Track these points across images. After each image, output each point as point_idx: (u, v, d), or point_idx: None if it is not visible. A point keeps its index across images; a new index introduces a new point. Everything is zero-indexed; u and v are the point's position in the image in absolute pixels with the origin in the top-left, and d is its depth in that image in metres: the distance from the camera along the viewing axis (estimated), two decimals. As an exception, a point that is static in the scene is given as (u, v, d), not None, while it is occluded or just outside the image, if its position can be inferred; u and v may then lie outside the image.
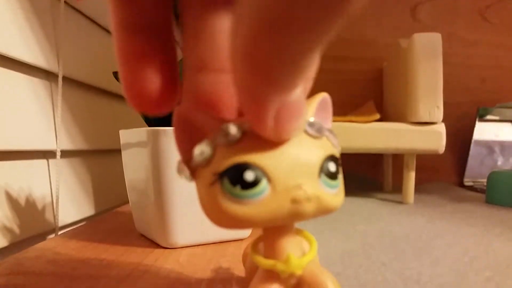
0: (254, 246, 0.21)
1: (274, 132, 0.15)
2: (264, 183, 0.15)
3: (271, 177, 0.15)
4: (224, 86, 0.17)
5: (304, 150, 0.16)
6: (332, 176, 0.17)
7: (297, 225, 0.20)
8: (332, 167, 0.17)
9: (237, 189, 0.15)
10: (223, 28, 0.16)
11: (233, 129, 0.16)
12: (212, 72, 0.17)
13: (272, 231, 0.19)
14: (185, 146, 0.17)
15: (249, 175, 0.15)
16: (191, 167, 0.17)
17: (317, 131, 0.16)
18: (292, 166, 0.16)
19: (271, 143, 0.15)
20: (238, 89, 0.13)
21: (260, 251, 0.20)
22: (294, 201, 0.16)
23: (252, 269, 0.22)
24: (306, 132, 0.16)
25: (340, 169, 0.17)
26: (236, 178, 0.15)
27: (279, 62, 0.11)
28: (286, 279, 0.19)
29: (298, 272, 0.19)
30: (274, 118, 0.14)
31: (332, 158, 0.17)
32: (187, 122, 0.17)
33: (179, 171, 0.18)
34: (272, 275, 0.19)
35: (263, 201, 0.16)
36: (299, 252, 0.19)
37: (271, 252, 0.19)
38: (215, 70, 0.17)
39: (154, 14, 0.16)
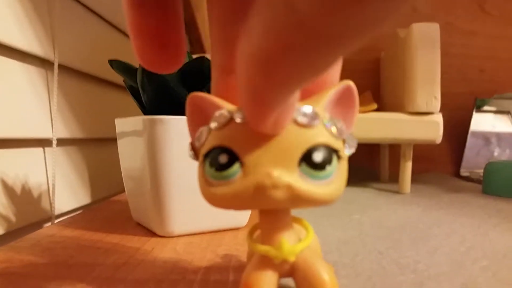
0: (251, 232, 0.21)
1: (269, 129, 0.15)
2: (236, 166, 0.16)
3: (244, 162, 0.16)
4: None
5: (285, 139, 0.16)
6: (317, 166, 0.16)
7: (294, 213, 0.20)
8: (317, 157, 0.16)
9: (212, 170, 0.17)
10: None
11: (223, 114, 0.17)
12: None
13: (267, 217, 0.19)
14: (193, 128, 0.19)
15: (222, 158, 0.16)
16: (194, 148, 0.19)
17: (309, 120, 0.16)
18: (268, 153, 0.16)
19: (254, 130, 0.16)
20: (243, 88, 0.13)
21: (257, 238, 0.20)
22: (258, 187, 0.16)
23: (251, 255, 0.23)
24: (295, 120, 0.16)
25: (337, 161, 0.17)
26: (213, 160, 0.17)
27: (300, 71, 0.11)
28: (280, 265, 0.19)
29: (291, 258, 0.19)
30: (275, 119, 0.14)
31: (322, 148, 0.16)
32: (196, 106, 0.18)
33: (188, 151, 0.19)
34: (266, 260, 0.19)
35: (232, 183, 0.16)
36: (294, 239, 0.19)
37: (266, 238, 0.19)
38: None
39: None
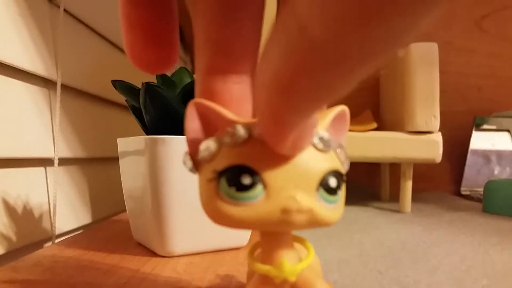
0: (252, 251, 0.21)
1: (288, 151, 0.15)
2: (259, 188, 0.16)
3: (267, 184, 0.16)
4: (234, 85, 0.17)
5: (305, 162, 0.16)
6: (331, 191, 0.16)
7: (294, 232, 0.20)
8: (333, 182, 0.16)
9: (232, 190, 0.16)
10: (233, 36, 0.16)
11: (240, 131, 0.16)
12: (222, 74, 0.17)
13: (269, 237, 0.19)
14: (194, 138, 0.18)
15: (245, 179, 0.16)
16: (196, 160, 0.18)
17: (325, 145, 0.16)
18: (290, 176, 0.16)
19: (274, 151, 0.15)
20: (262, 110, 0.13)
21: (258, 257, 0.20)
22: (285, 211, 0.16)
23: (251, 274, 0.22)
24: (313, 144, 0.16)
25: (343, 185, 0.17)
26: (233, 179, 0.16)
27: (318, 93, 0.11)
28: (280, 285, 0.19)
29: (292, 278, 0.19)
30: (293, 140, 0.14)
31: (334, 173, 0.17)
32: (198, 117, 0.17)
33: (184, 161, 0.18)
34: (266, 280, 0.19)
35: (255, 205, 0.16)
36: (295, 259, 0.19)
37: (266, 257, 0.19)
38: (225, 71, 0.17)
39: None
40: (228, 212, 0.16)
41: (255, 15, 0.17)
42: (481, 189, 1.28)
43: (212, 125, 0.17)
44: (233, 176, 0.16)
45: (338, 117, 0.18)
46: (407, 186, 1.02)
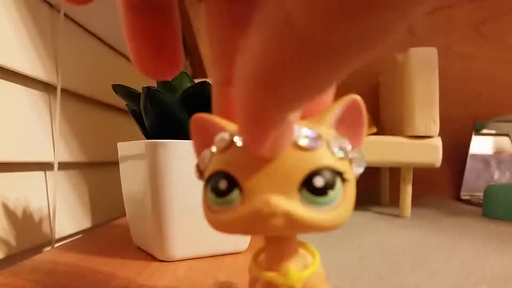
0: (256, 257, 0.21)
1: (267, 151, 0.14)
2: (235, 193, 0.16)
3: (243, 188, 0.16)
4: None
5: (285, 163, 0.15)
6: (318, 191, 0.15)
7: (298, 236, 0.20)
8: (319, 181, 0.15)
9: (212, 196, 0.16)
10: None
11: (224, 137, 0.16)
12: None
13: (272, 242, 0.19)
14: (198, 150, 0.18)
15: (222, 184, 0.16)
16: (199, 170, 0.18)
17: (310, 142, 0.15)
18: (268, 179, 0.15)
19: (254, 155, 0.15)
20: (241, 107, 0.12)
21: (262, 263, 0.20)
22: (258, 214, 0.15)
23: (255, 280, 0.22)
24: (295, 143, 0.15)
25: (339, 184, 0.16)
26: (213, 186, 0.16)
27: (301, 88, 0.11)
28: None
29: (298, 286, 0.18)
30: (273, 139, 0.14)
31: (322, 172, 0.15)
32: (200, 128, 0.18)
33: (195, 173, 0.19)
34: (272, 286, 0.19)
35: (232, 210, 0.16)
36: (300, 265, 0.19)
37: (271, 264, 0.19)
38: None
39: None
40: (211, 217, 0.17)
41: None
42: (481, 194, 1.28)
43: (211, 136, 0.17)
44: (214, 183, 0.16)
45: (349, 109, 0.17)
46: (407, 191, 1.02)
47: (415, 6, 0.08)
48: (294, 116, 0.13)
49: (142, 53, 0.17)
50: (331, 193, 0.15)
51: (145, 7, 0.17)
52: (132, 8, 0.16)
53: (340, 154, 0.16)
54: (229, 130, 0.17)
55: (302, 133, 0.15)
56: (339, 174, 0.16)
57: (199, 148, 0.18)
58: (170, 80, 0.41)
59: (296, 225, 0.15)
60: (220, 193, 0.16)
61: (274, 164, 0.15)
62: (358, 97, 0.17)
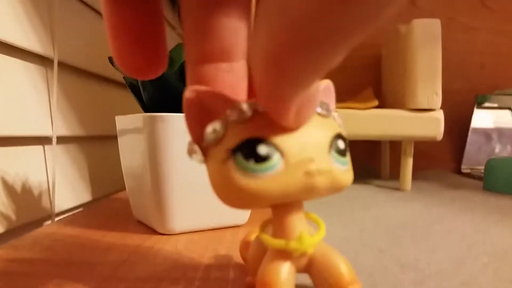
0: (262, 228, 0.21)
1: (294, 123, 0.15)
2: (277, 157, 0.16)
3: (284, 152, 0.16)
4: (226, 73, 0.17)
5: (314, 128, 0.17)
6: (342, 152, 0.17)
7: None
8: (341, 144, 0.17)
9: (251, 164, 0.16)
10: (221, 25, 0.16)
11: (245, 107, 0.16)
12: (214, 62, 0.17)
13: (283, 210, 0.19)
14: (196, 127, 0.17)
15: (262, 149, 0.16)
16: (202, 147, 0.17)
17: (326, 110, 0.18)
18: (303, 141, 0.16)
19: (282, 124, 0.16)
20: (260, 88, 0.13)
21: (268, 234, 0.20)
22: (307, 174, 0.16)
23: (256, 256, 0.22)
24: (317, 112, 0.17)
25: (347, 148, 0.18)
26: (250, 153, 0.16)
27: (307, 67, 0.11)
28: (298, 258, 0.19)
29: (310, 250, 0.19)
30: (296, 112, 0.14)
31: (340, 136, 0.17)
32: (198, 103, 0.17)
33: (190, 152, 0.18)
34: (283, 255, 0.19)
35: (276, 175, 0.16)
36: (309, 232, 0.19)
37: (281, 231, 0.19)
38: (216, 60, 0.17)
39: None
40: (249, 186, 0.16)
41: (242, 3, 0.17)
42: (481, 167, 1.28)
43: (213, 109, 0.17)
44: (249, 150, 0.16)
45: (325, 92, 0.19)
46: (408, 164, 1.02)
47: None
48: (314, 88, 0.14)
49: (124, 50, 0.16)
50: (347, 155, 0.18)
51: (126, 1, 0.16)
52: (113, 3, 0.16)
53: (340, 123, 0.19)
54: (242, 102, 0.17)
55: (321, 102, 0.18)
56: (345, 138, 0.18)
57: (198, 125, 0.17)
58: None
59: (335, 183, 0.17)
60: (260, 159, 0.16)
61: (304, 129, 0.16)
62: (330, 81, 0.20)
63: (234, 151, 0.16)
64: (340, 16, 0.09)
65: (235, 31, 0.17)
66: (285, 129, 0.16)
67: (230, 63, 0.17)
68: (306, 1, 0.09)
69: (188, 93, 0.17)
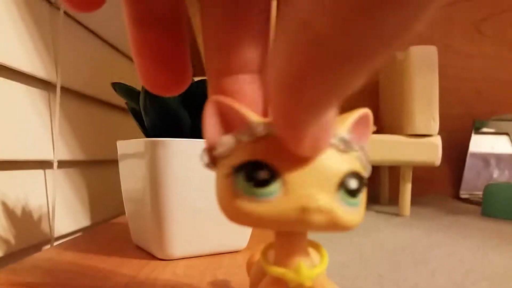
0: (264, 252, 0.20)
1: (307, 151, 0.15)
2: (277, 184, 0.15)
3: (285, 180, 0.15)
4: (248, 85, 0.17)
5: (325, 162, 0.16)
6: (352, 193, 0.16)
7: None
8: (353, 184, 0.16)
9: (250, 185, 0.16)
10: (243, 38, 0.16)
11: (258, 128, 0.16)
12: (235, 74, 0.17)
13: (284, 238, 0.19)
14: (212, 134, 0.17)
15: (263, 174, 0.15)
16: (212, 156, 0.17)
17: (346, 145, 0.16)
18: (309, 174, 0.15)
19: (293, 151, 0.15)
20: (274, 111, 0.13)
21: (270, 258, 0.19)
22: (303, 209, 0.15)
23: (257, 278, 0.22)
24: (333, 145, 0.16)
25: (364, 189, 0.17)
26: (250, 175, 0.16)
27: (326, 90, 0.11)
28: None
29: (308, 283, 0.18)
30: (311, 140, 0.14)
31: (355, 174, 0.16)
32: (220, 112, 0.17)
33: (201, 157, 0.18)
34: (280, 283, 0.19)
35: (273, 202, 0.16)
36: (309, 263, 0.19)
37: (281, 259, 0.19)
38: (237, 72, 0.17)
39: (163, 8, 0.17)
40: (245, 208, 0.16)
41: (263, 16, 0.17)
42: (480, 193, 1.28)
43: (230, 122, 0.17)
44: (251, 171, 0.16)
45: (360, 121, 0.18)
46: (407, 189, 1.02)
47: (429, 4, 0.08)
48: (330, 117, 0.13)
49: (149, 68, 0.17)
50: (359, 196, 0.16)
51: (150, 21, 0.16)
52: (137, 22, 0.16)
53: (363, 160, 0.17)
54: (260, 120, 0.16)
55: (339, 135, 0.16)
56: (363, 178, 0.17)
57: (214, 134, 0.17)
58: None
59: (334, 223, 0.16)
60: (259, 183, 0.15)
61: (315, 161, 0.16)
62: (368, 110, 0.18)
63: (237, 169, 0.16)
64: (363, 33, 0.09)
65: (255, 43, 0.17)
66: (294, 158, 0.15)
67: (252, 76, 0.17)
68: (331, 16, 0.09)
69: (210, 102, 0.17)
